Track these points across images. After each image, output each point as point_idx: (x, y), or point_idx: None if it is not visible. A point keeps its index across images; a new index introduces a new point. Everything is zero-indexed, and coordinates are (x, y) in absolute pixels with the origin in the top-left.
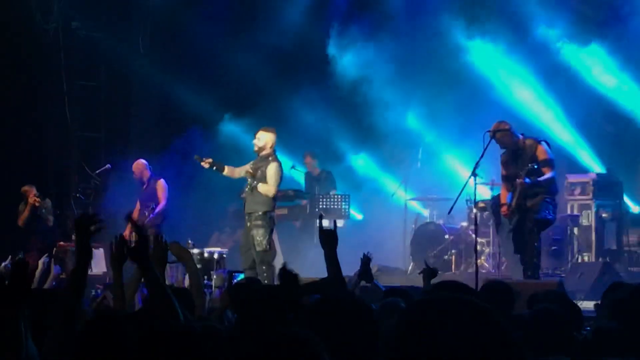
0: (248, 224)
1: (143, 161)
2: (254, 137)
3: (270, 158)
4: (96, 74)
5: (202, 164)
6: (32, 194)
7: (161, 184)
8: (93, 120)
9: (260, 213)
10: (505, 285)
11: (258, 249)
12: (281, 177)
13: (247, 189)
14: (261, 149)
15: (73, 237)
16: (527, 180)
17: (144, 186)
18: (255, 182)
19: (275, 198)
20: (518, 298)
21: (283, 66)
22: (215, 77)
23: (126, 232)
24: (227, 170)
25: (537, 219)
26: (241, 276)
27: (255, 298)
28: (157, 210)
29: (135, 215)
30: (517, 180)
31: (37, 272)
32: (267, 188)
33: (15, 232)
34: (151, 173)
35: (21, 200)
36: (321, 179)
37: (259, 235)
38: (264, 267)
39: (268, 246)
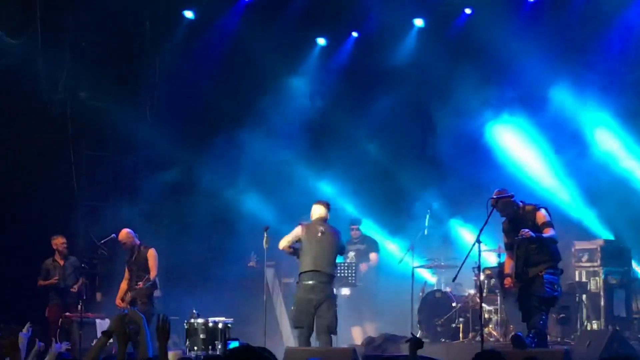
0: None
1: (128, 230)
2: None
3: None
4: (103, 144)
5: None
6: (60, 241)
7: (152, 253)
8: (100, 189)
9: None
10: (497, 355)
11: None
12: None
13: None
14: None
15: (79, 307)
16: (531, 234)
17: (133, 255)
18: None
19: None
20: None
21: (290, 140)
22: (224, 145)
23: (118, 301)
24: None
25: (543, 297)
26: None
27: None
28: (150, 281)
29: (124, 285)
30: (521, 233)
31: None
32: None
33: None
34: (139, 241)
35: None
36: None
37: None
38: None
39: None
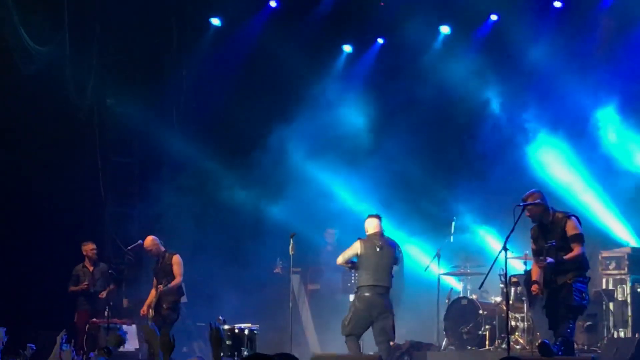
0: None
1: (154, 237)
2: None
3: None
4: (130, 150)
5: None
6: (90, 247)
7: (177, 259)
8: (127, 195)
9: None
10: None
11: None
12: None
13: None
14: None
15: (105, 313)
16: (551, 260)
17: (159, 262)
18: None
19: None
20: None
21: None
22: (250, 151)
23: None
24: None
25: (572, 305)
26: None
27: None
28: (171, 285)
29: (153, 292)
30: (540, 260)
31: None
32: None
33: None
34: (164, 247)
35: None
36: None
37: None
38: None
39: None
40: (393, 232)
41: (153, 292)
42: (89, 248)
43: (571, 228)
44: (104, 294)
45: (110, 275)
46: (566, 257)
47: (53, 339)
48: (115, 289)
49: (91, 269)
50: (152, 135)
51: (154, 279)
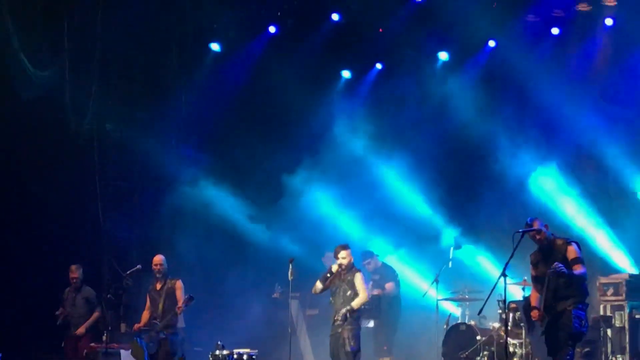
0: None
1: (162, 256)
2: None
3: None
4: (130, 174)
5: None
6: (71, 274)
7: (180, 284)
8: (126, 220)
9: None
10: None
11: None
12: None
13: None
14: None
15: (104, 338)
16: (561, 266)
17: (161, 283)
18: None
19: None
20: None
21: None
22: (248, 174)
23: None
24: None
25: (571, 333)
26: None
27: None
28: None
29: (146, 314)
30: (554, 266)
31: None
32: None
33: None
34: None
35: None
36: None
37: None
38: None
39: None
40: (391, 256)
41: (146, 314)
42: (70, 274)
43: (572, 252)
44: (82, 330)
45: (99, 300)
46: (575, 272)
47: None
48: (100, 315)
49: (73, 294)
50: (152, 159)
51: (148, 301)
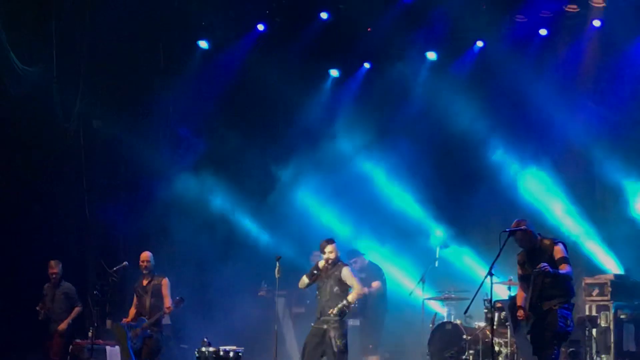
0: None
1: (150, 253)
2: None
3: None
4: (116, 172)
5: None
6: (50, 269)
7: (167, 282)
8: (112, 217)
9: None
10: None
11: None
12: None
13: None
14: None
15: (89, 334)
16: (547, 265)
17: (148, 280)
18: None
19: None
20: None
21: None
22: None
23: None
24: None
25: (557, 332)
26: None
27: None
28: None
29: (132, 310)
30: (539, 266)
31: None
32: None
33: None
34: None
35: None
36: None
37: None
38: None
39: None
40: (378, 255)
41: (133, 310)
42: (49, 269)
43: (558, 252)
44: (64, 326)
45: (78, 295)
46: (561, 271)
47: None
48: (80, 311)
49: (53, 290)
50: (139, 157)
51: (135, 298)
